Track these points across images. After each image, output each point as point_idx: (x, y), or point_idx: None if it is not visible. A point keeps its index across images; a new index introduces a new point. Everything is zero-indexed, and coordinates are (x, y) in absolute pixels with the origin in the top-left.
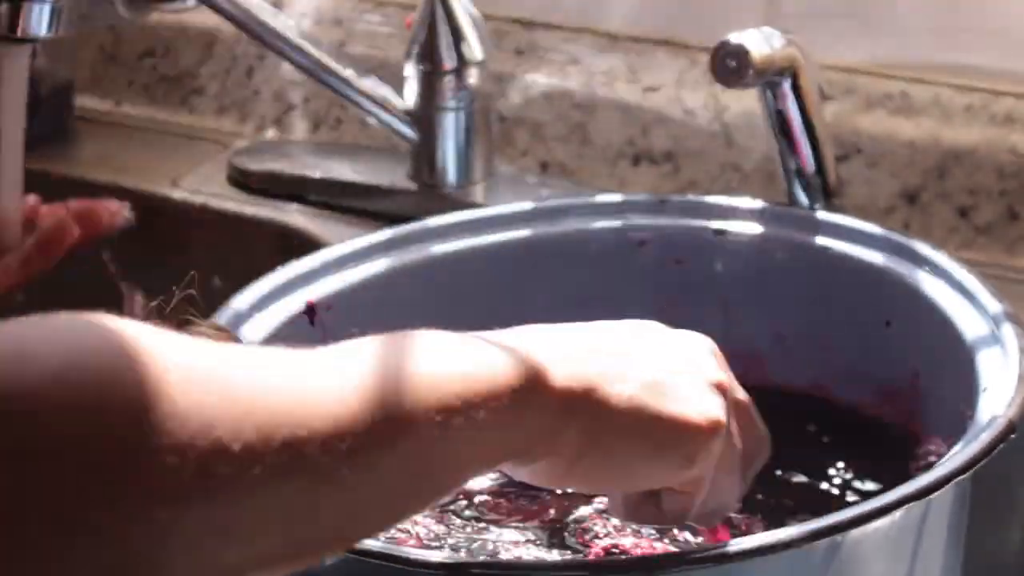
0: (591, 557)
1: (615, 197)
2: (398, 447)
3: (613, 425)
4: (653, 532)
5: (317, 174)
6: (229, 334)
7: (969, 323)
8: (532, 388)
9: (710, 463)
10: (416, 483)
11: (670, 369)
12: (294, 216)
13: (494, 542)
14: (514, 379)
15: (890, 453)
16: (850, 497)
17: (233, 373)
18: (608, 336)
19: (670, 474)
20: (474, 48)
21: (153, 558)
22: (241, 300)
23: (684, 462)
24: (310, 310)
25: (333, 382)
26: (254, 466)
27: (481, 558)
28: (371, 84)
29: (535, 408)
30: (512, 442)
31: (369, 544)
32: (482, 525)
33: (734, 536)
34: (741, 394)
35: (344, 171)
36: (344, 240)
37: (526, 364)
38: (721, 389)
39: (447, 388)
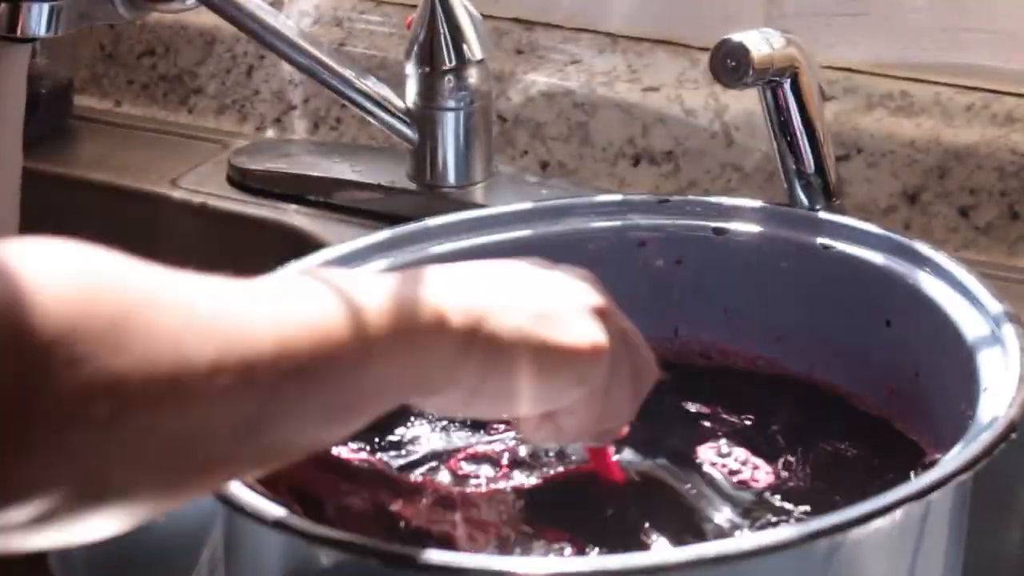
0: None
1: (615, 197)
2: (332, 369)
3: (506, 355)
4: None
5: (317, 174)
6: None
7: (969, 323)
8: (436, 325)
9: (600, 382)
10: (342, 408)
11: (553, 299)
12: (294, 216)
13: None
14: (420, 316)
15: (890, 453)
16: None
17: (195, 299)
18: (494, 273)
19: (563, 395)
20: (474, 48)
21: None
22: None
23: (575, 383)
24: None
25: (277, 310)
26: (216, 379)
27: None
28: (371, 84)
29: (438, 343)
30: (419, 374)
31: (370, 544)
32: None
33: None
34: (625, 322)
35: (344, 171)
36: (344, 240)
37: (430, 302)
38: (602, 314)
39: (369, 319)
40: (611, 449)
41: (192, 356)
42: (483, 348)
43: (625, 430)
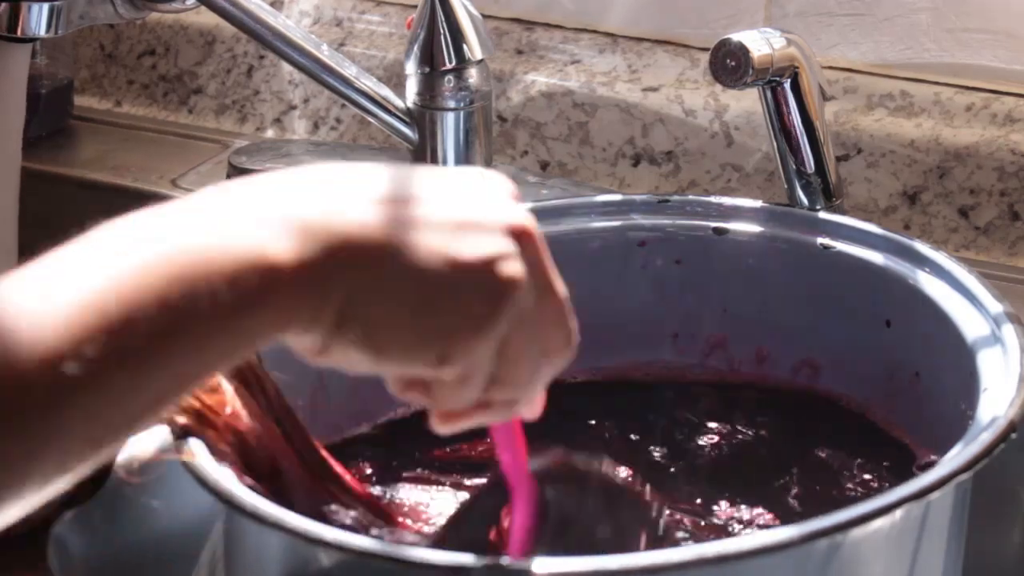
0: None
1: (615, 197)
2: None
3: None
4: None
5: None
6: None
7: (969, 323)
8: (272, 265)
9: (473, 363)
10: (143, 399)
11: (463, 210)
12: None
13: None
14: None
15: (890, 452)
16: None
17: None
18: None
19: (421, 369)
20: (474, 48)
21: None
22: None
23: (438, 360)
24: None
25: (48, 308)
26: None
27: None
28: (371, 84)
29: (283, 285)
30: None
31: (371, 545)
32: None
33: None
34: (558, 284)
35: None
36: None
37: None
38: (521, 237)
39: (165, 294)
40: (518, 436)
41: None
42: (355, 278)
43: (531, 413)
